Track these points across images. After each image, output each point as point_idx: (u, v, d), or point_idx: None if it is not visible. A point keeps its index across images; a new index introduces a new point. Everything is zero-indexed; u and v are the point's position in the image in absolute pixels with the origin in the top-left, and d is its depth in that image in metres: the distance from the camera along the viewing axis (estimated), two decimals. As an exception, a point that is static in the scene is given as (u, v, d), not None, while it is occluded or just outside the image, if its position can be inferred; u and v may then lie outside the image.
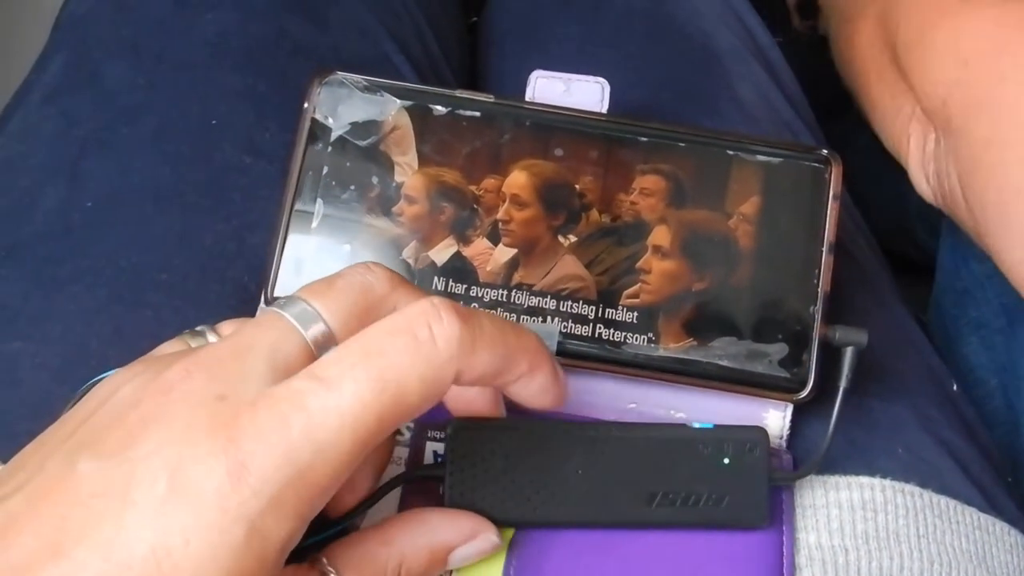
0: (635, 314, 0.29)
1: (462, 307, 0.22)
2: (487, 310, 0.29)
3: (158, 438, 0.19)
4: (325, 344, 0.22)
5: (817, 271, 0.29)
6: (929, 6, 0.36)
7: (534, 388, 0.24)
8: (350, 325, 0.22)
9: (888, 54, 0.38)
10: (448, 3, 0.50)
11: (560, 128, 0.31)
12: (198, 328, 0.25)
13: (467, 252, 0.30)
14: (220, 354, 0.21)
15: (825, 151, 0.31)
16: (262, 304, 0.30)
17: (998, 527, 0.31)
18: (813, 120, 0.46)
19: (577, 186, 0.30)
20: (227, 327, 0.25)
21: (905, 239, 0.63)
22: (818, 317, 0.29)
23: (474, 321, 0.21)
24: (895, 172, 0.58)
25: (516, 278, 0.30)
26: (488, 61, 0.48)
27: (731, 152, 0.30)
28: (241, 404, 0.20)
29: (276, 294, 0.30)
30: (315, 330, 0.22)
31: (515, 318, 0.29)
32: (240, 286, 0.32)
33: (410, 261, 0.30)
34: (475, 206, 0.30)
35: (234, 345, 0.21)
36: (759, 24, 0.47)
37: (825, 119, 0.73)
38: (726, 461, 0.27)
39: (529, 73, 0.33)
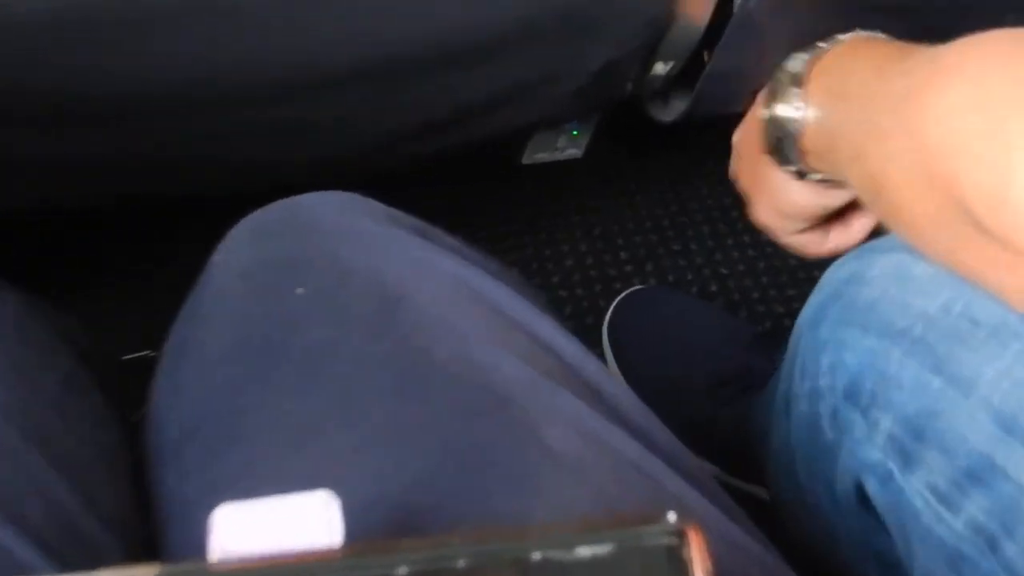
0: None
1: None
2: None
3: None
4: None
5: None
6: (993, 144, 0.41)
7: None
8: None
9: (965, 223, 0.43)
10: (94, 422, 0.53)
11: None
12: None
13: None
14: None
15: (673, 518, 0.32)
16: None
17: None
18: (675, 446, 0.49)
19: None
20: None
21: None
22: None
23: None
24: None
25: None
26: (162, 481, 0.49)
27: (536, 556, 0.31)
28: None
29: None
30: None
31: None
32: None
33: None
34: None
35: None
36: (566, 338, 0.51)
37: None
38: None
39: (217, 504, 0.32)
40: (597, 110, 0.92)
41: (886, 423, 0.52)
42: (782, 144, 0.57)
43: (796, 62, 0.56)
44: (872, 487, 0.54)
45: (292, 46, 0.64)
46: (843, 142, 0.51)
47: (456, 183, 1.04)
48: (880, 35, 0.56)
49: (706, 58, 0.77)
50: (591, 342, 1.01)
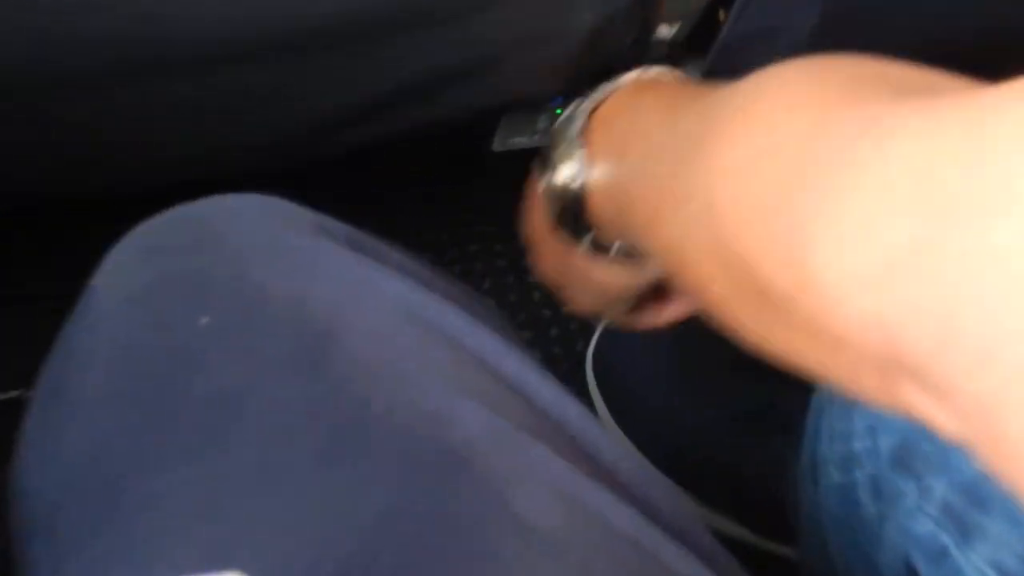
0: None
1: None
2: None
3: None
4: None
5: None
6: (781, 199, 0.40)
7: None
8: None
9: (769, 302, 0.42)
10: None
11: None
12: None
13: None
14: None
15: None
16: None
17: None
18: (678, 510, 0.47)
19: None
20: None
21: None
22: None
23: None
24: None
25: None
26: (32, 560, 0.48)
27: None
28: None
29: None
30: None
31: None
32: None
33: None
34: None
35: None
36: (542, 378, 0.51)
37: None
38: None
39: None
40: (586, 84, 0.91)
41: (940, 488, 0.51)
42: (568, 215, 0.59)
43: (574, 115, 0.57)
44: (923, 567, 0.53)
45: (211, 9, 0.63)
46: (636, 205, 0.51)
47: (408, 176, 1.03)
48: (669, 71, 0.56)
49: (721, 18, 0.76)
50: (582, 375, 1.00)
